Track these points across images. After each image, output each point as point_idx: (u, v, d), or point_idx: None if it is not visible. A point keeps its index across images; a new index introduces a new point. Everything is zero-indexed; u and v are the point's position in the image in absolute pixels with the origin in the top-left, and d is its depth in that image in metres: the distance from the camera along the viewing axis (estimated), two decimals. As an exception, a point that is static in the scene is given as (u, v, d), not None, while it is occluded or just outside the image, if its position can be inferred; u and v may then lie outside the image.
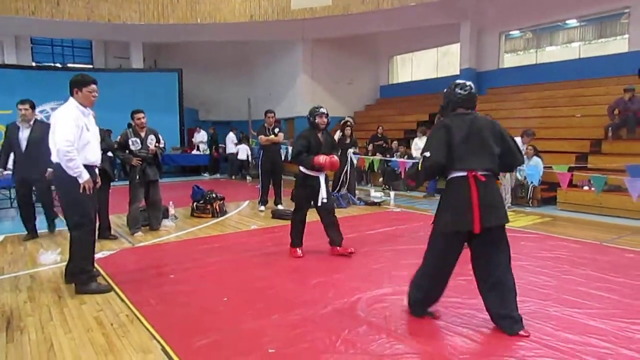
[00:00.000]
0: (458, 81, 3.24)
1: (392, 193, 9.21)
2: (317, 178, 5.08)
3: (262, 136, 8.02)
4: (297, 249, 5.18)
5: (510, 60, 14.98)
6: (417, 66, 17.93)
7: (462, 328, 3.18)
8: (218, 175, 15.29)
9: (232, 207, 8.43)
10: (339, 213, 7.91)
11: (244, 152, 14.62)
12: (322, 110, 5.22)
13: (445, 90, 3.27)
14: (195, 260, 4.99)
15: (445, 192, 3.17)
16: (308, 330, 3.17)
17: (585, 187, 8.01)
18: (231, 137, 15.09)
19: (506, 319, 3.06)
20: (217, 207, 7.60)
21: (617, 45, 12.60)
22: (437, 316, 3.34)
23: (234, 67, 18.44)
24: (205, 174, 15.44)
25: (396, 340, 3.00)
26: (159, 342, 3.02)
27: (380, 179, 11.69)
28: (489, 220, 2.96)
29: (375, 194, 9.19)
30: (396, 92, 17.80)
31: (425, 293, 3.30)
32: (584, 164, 9.04)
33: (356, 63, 17.81)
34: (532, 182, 8.37)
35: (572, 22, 13.76)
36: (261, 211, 8.07)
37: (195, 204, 7.66)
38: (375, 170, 10.77)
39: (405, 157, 10.74)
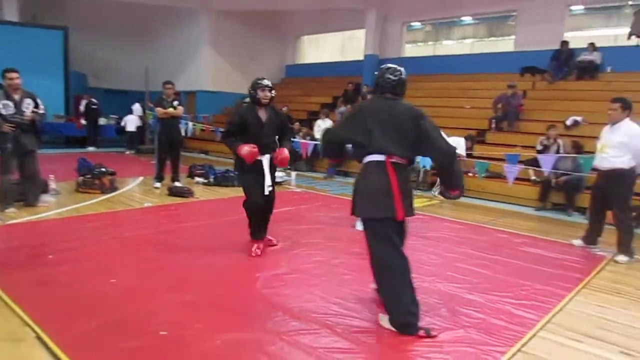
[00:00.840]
0: (389, 65, 3.13)
1: (293, 173, 9.25)
2: (260, 162, 4.24)
3: (160, 108, 7.58)
4: (255, 244, 4.39)
5: (410, 51, 15.66)
6: (324, 48, 18.10)
7: (354, 304, 3.30)
8: (92, 148, 13.82)
9: (125, 184, 7.92)
10: (238, 191, 7.84)
11: (133, 123, 13.70)
12: (264, 82, 4.25)
13: (375, 73, 3.18)
14: (79, 239, 4.59)
15: (361, 177, 3.00)
16: (202, 310, 3.08)
17: (470, 174, 8.66)
18: (137, 109, 14.06)
19: None
20: (106, 182, 7.07)
21: (505, 44, 13.74)
22: (434, 335, 2.89)
23: (131, 32, 17.00)
24: (90, 147, 14.05)
25: (293, 318, 3.03)
26: (32, 329, 2.73)
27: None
28: (410, 211, 2.93)
29: (277, 174, 9.15)
30: (302, 73, 17.83)
31: (406, 301, 2.93)
32: (470, 151, 9.76)
33: (263, 40, 17.50)
34: (424, 166, 8.87)
35: (468, 20, 14.73)
36: (156, 188, 7.67)
37: (81, 178, 7.07)
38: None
39: (308, 138, 10.82)
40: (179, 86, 8.86)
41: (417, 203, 7.58)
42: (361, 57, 15.28)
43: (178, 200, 6.84)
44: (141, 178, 8.58)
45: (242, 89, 17.05)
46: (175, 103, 7.66)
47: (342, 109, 12.76)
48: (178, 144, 7.84)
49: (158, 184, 7.75)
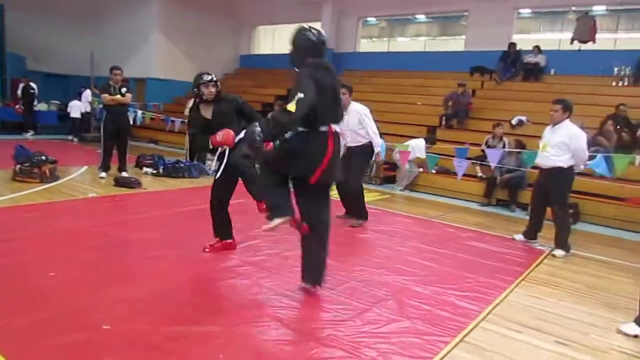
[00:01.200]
0: (304, 25, 3.10)
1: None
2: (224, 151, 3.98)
3: (107, 95, 7.27)
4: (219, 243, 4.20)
5: (365, 46, 15.80)
6: (279, 39, 17.94)
7: (305, 296, 3.31)
8: (31, 135, 13.02)
9: (67, 173, 7.57)
10: (191, 183, 7.68)
11: (78, 109, 13.09)
12: (206, 77, 3.95)
13: (293, 36, 3.14)
14: (16, 230, 4.33)
15: (303, 141, 3.00)
16: (148, 304, 2.99)
17: (420, 169, 8.86)
18: (87, 95, 13.39)
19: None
20: (46, 171, 6.71)
21: (456, 44, 14.09)
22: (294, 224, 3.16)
23: (75, 13, 16.00)
24: (27, 133, 13.13)
25: (243, 310, 2.99)
26: (-37, 322, 2.57)
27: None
28: (328, 178, 3.12)
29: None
30: (256, 63, 17.62)
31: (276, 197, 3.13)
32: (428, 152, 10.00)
33: (217, 28, 17.14)
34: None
35: (422, 18, 15.00)
36: (102, 178, 7.38)
37: (18, 166, 6.67)
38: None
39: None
40: (127, 72, 8.52)
41: (370, 197, 7.70)
42: (317, 51, 15.27)
43: (125, 191, 6.61)
44: (85, 167, 8.24)
45: (195, 78, 16.74)
46: (124, 90, 7.37)
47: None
48: (125, 132, 7.57)
49: (104, 174, 7.46)
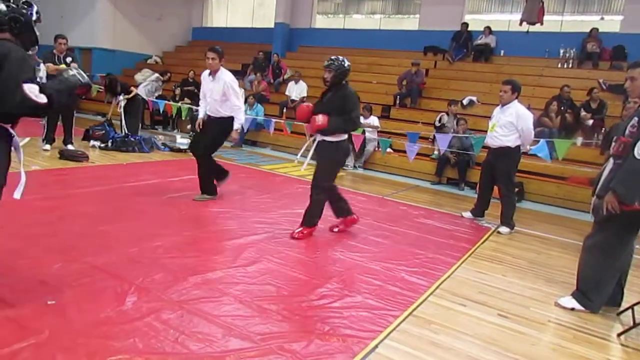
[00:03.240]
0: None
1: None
2: None
3: (51, 64, 6.88)
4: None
5: (321, 22, 15.64)
6: (233, 12, 17.47)
7: (257, 271, 3.32)
8: None
9: (7, 144, 7.14)
10: (141, 157, 7.45)
11: None
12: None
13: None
14: (-49, 204, 4.09)
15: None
16: (97, 279, 2.91)
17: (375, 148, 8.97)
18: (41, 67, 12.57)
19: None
20: (-16, 142, 6.33)
21: (410, 22, 14.17)
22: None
23: (14, -25, 15.17)
24: None
25: (194, 286, 2.97)
26: None
27: (189, 126, 11.26)
28: None
29: (182, 141, 8.86)
30: (209, 36, 17.07)
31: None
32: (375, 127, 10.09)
33: (168, -2, 16.48)
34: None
35: (377, -5, 14.95)
36: (45, 150, 7.03)
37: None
38: (183, 117, 10.37)
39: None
40: (73, 41, 8.10)
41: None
42: (272, 25, 14.99)
43: (71, 164, 6.33)
44: (27, 139, 7.80)
45: (145, 49, 16.09)
46: (68, 60, 7.00)
47: (252, 77, 12.49)
48: (71, 104, 7.21)
49: (47, 146, 7.11)
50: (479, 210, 5.73)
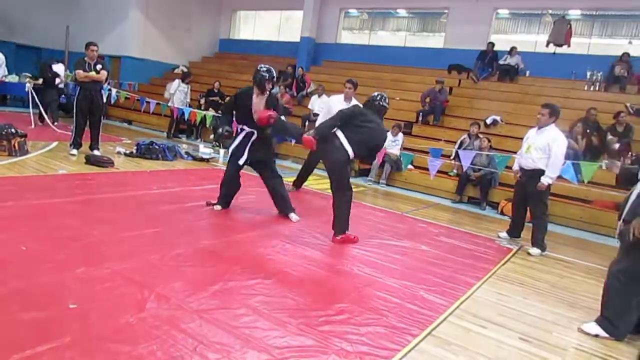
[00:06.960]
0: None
1: (222, 151, 9.07)
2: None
3: (80, 71, 7.07)
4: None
5: (346, 37, 15.77)
6: (260, 26, 17.75)
7: (275, 283, 3.32)
8: None
9: (37, 148, 7.34)
10: (164, 165, 7.57)
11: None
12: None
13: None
14: (-17, 204, 4.22)
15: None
16: (118, 285, 2.95)
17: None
18: (59, 68, 12.93)
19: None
20: (15, 144, 6.51)
21: (435, 40, 14.20)
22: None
23: (53, -16, 15.61)
24: None
25: (213, 296, 2.98)
26: None
27: (212, 136, 11.41)
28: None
29: (205, 150, 8.97)
30: (236, 48, 17.41)
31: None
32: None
33: (197, 10, 16.85)
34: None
35: (402, 12, 15.04)
36: (72, 155, 7.20)
37: (-13, 137, 6.44)
38: (208, 126, 10.51)
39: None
40: (104, 50, 8.31)
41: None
42: (297, 39, 15.17)
43: (96, 169, 6.47)
44: (56, 143, 8.01)
45: (173, 59, 16.41)
46: (99, 67, 7.19)
47: (275, 89, 12.61)
48: (98, 110, 7.38)
49: (74, 151, 7.28)
50: (515, 231, 5.69)
